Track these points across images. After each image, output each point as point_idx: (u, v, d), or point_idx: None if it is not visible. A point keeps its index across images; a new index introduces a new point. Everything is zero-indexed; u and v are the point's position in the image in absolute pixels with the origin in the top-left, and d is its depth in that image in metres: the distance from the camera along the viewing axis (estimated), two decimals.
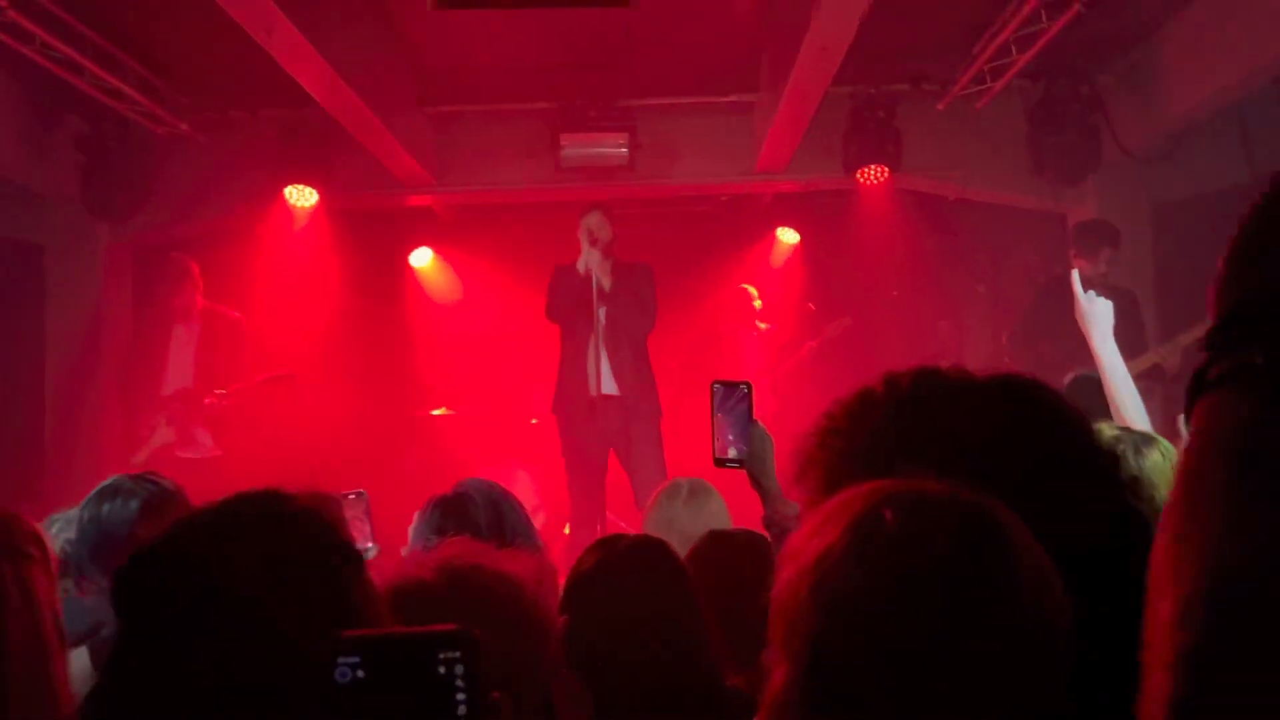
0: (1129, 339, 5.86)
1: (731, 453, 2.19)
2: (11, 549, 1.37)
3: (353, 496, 2.61)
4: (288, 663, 0.99)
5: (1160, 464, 2.27)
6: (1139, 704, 0.70)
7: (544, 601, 1.41)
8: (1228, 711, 0.65)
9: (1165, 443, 2.36)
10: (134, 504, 2.36)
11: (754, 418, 2.20)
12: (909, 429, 0.99)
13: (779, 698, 0.84)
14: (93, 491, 2.46)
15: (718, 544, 2.24)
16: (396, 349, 8.07)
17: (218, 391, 5.88)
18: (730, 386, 2.22)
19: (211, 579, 1.03)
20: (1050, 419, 1.01)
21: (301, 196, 6.56)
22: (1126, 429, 2.37)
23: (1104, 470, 1.00)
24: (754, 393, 2.21)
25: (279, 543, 1.07)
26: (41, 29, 5.00)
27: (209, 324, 6.17)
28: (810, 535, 0.86)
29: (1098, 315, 2.79)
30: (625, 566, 1.82)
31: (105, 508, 2.38)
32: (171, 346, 6.12)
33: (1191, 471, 0.73)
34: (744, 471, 2.21)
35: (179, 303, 6.10)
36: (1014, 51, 5.66)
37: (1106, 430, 2.33)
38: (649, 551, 1.87)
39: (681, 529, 2.58)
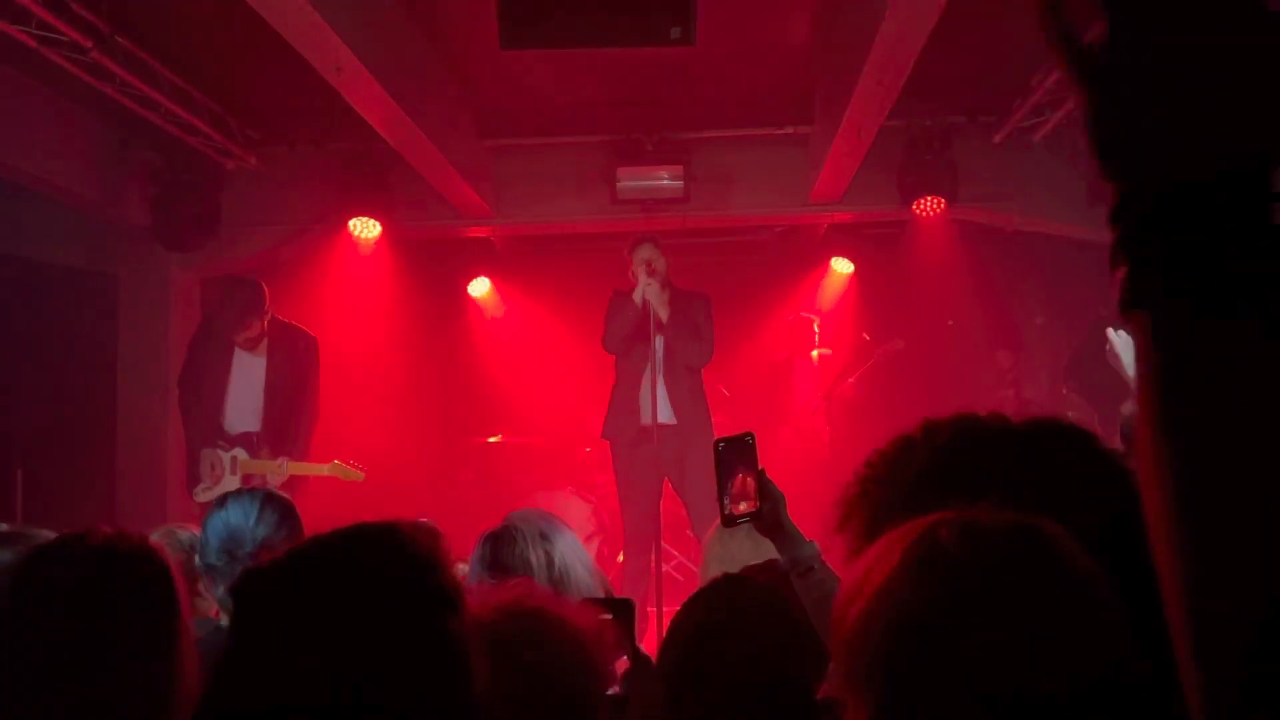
0: None
1: (743, 506, 2.14)
2: (186, 570, 1.49)
3: None
4: (377, 695, 1.04)
5: None
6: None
7: (601, 656, 1.44)
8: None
9: None
10: (255, 506, 2.49)
11: (760, 466, 2.16)
12: (948, 477, 1.01)
13: None
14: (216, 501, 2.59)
15: (736, 589, 2.08)
16: (454, 376, 8.19)
17: (285, 462, 5.47)
18: (733, 442, 2.16)
19: (316, 604, 1.08)
20: (1089, 466, 1.03)
21: (365, 228, 6.72)
22: None
23: (1142, 515, 1.02)
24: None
25: (384, 577, 1.12)
26: (121, 68, 5.20)
27: (280, 344, 5.65)
28: (869, 569, 0.89)
29: (1130, 352, 2.78)
30: (752, 626, 1.81)
31: (231, 505, 2.50)
32: (234, 376, 5.60)
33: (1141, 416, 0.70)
34: (759, 523, 2.19)
35: (248, 333, 5.55)
36: None
37: None
38: (775, 612, 1.86)
39: (745, 563, 2.58)
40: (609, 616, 1.69)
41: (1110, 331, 2.85)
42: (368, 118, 5.32)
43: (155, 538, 2.69)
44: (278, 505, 2.53)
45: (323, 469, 5.50)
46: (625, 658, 1.70)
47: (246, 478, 5.44)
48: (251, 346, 5.62)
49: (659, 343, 5.51)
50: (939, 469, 1.01)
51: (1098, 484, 1.01)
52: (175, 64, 5.60)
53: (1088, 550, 0.96)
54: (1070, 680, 0.81)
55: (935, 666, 0.82)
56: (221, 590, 2.44)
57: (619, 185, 6.68)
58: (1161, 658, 0.93)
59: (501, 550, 2.35)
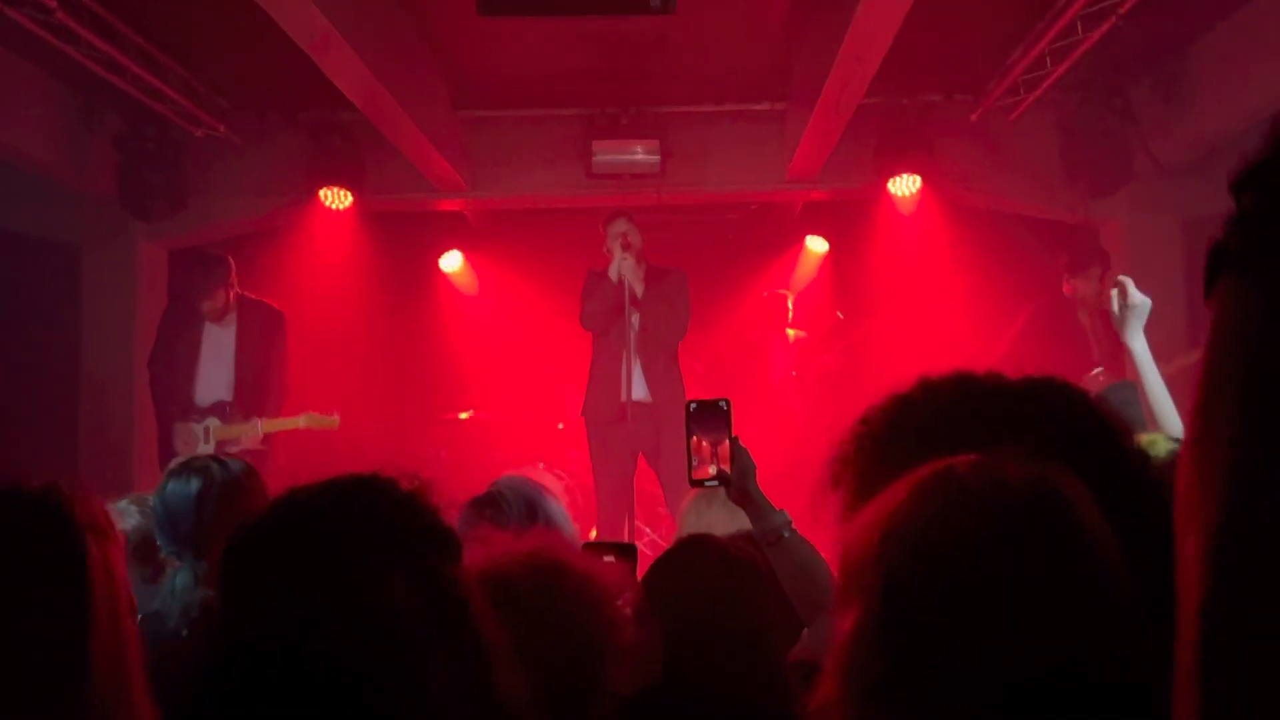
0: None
1: (711, 470, 2.17)
2: (97, 527, 1.42)
3: None
4: (385, 644, 1.01)
5: None
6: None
7: (621, 612, 1.43)
8: (1247, 670, 0.62)
9: None
10: (195, 483, 2.42)
11: (733, 434, 2.17)
12: (945, 433, 1.01)
13: (853, 635, 0.86)
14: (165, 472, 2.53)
15: (700, 551, 2.01)
16: (425, 352, 8.13)
17: (259, 423, 5.54)
18: (707, 405, 2.19)
19: (315, 557, 1.04)
20: (1086, 424, 1.03)
21: (336, 199, 6.64)
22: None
23: (1138, 473, 1.02)
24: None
25: (385, 525, 1.08)
26: (86, 30, 5.09)
27: (248, 318, 5.78)
28: (880, 504, 0.89)
29: (1137, 308, 2.75)
30: (718, 580, 1.82)
31: (170, 485, 2.44)
32: (204, 349, 5.72)
33: (1204, 378, 0.68)
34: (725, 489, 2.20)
35: (213, 302, 5.66)
36: (1049, 64, 5.66)
37: (1162, 443, 2.31)
38: (742, 569, 1.86)
39: (720, 533, 2.58)
40: (612, 559, 1.69)
41: (1126, 282, 2.78)
42: (341, 86, 5.24)
43: (123, 505, 2.67)
44: (221, 481, 2.44)
45: (297, 421, 5.56)
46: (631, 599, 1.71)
47: (221, 444, 5.48)
48: (219, 318, 5.71)
49: (634, 319, 5.50)
50: (936, 425, 1.01)
51: (1094, 441, 1.01)
52: (142, 27, 5.47)
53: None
54: (1052, 634, 0.81)
55: (931, 583, 0.82)
56: (181, 575, 2.40)
57: (594, 160, 6.63)
58: (1149, 625, 0.93)
59: (485, 515, 2.34)
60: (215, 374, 5.68)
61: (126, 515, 2.60)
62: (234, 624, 1.05)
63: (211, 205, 6.87)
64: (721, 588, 1.80)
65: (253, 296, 5.87)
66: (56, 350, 6.79)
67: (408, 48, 5.73)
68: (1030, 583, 0.81)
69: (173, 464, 2.57)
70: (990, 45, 5.94)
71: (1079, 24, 5.21)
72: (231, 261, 5.76)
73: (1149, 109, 6.36)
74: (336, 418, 5.59)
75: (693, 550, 1.92)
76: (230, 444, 5.50)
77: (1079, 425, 1.03)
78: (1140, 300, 2.75)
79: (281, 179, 6.78)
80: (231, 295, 5.73)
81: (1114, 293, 2.79)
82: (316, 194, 6.61)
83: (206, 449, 5.43)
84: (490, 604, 1.30)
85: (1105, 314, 6.15)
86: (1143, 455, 1.05)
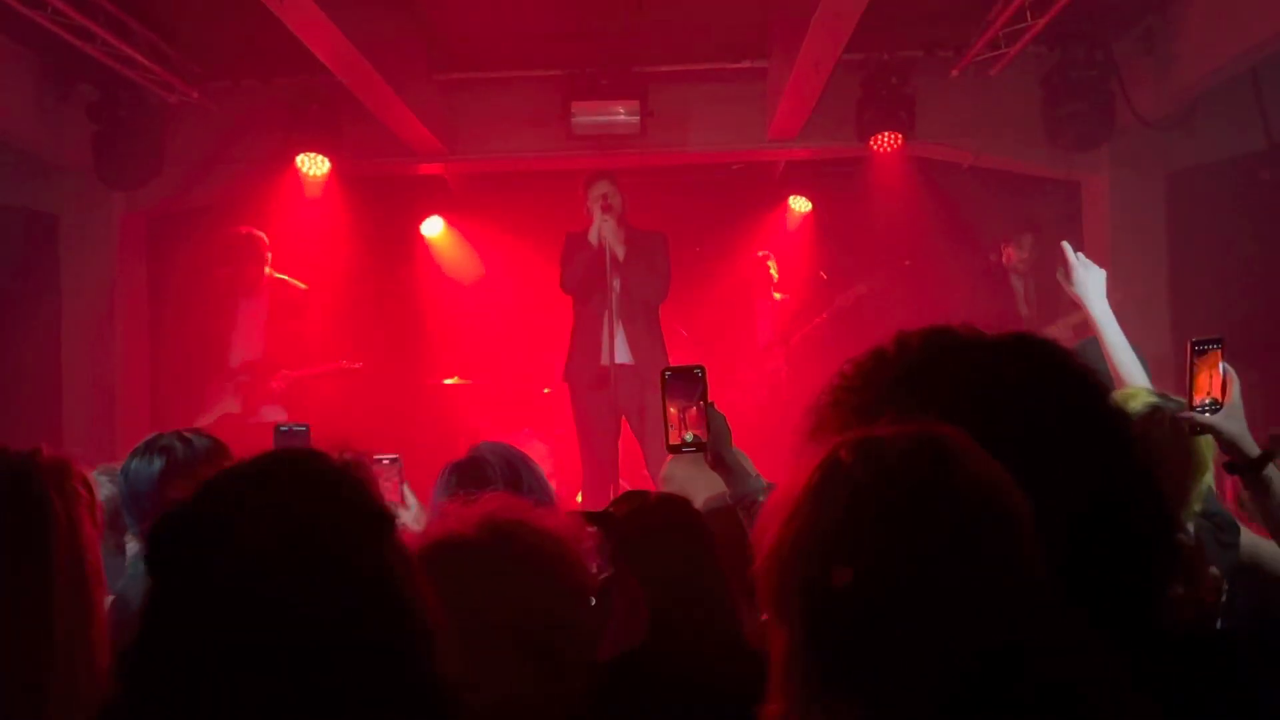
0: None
1: (688, 437, 2.18)
2: (64, 487, 1.49)
3: (387, 461, 2.62)
4: (314, 620, 1.00)
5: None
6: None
7: (583, 558, 1.43)
8: None
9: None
10: (158, 462, 2.40)
11: (710, 399, 2.19)
12: (921, 386, 1.01)
13: (789, 662, 0.86)
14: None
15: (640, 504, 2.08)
16: (408, 318, 8.09)
17: (283, 373, 6.18)
18: (682, 372, 2.21)
19: (238, 538, 1.03)
20: (1060, 376, 1.04)
21: (313, 165, 6.57)
22: (1165, 395, 2.35)
23: (1112, 426, 1.02)
24: (710, 374, 2.19)
25: (308, 502, 1.07)
26: None
27: (275, 295, 6.39)
28: (784, 494, 0.90)
29: (1092, 281, 2.78)
30: (656, 521, 1.85)
31: (134, 464, 2.42)
32: (239, 319, 6.36)
33: None
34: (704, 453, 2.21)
35: (247, 276, 6.31)
36: (1029, 17, 5.62)
37: (1143, 397, 2.32)
38: (675, 508, 1.90)
39: (699, 493, 2.58)
40: (592, 528, 1.70)
41: (1070, 254, 2.81)
42: (314, 50, 5.17)
43: (94, 475, 2.64)
44: (184, 459, 2.41)
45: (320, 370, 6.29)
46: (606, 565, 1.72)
47: (247, 398, 6.16)
48: (251, 291, 6.36)
49: (616, 282, 5.47)
50: (911, 377, 1.01)
51: (1067, 396, 1.01)
52: None
53: (1051, 463, 0.95)
54: (966, 587, 0.81)
55: (845, 592, 0.83)
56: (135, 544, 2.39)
57: (574, 121, 6.56)
58: (1102, 586, 0.93)
59: (467, 479, 2.34)
60: (247, 340, 6.32)
61: (99, 486, 2.57)
62: (159, 605, 1.04)
63: (188, 173, 6.80)
64: (659, 541, 1.81)
65: (282, 276, 6.47)
66: (36, 319, 6.73)
67: (381, 9, 5.65)
68: (933, 569, 0.82)
69: (139, 445, 2.54)
70: None
71: None
72: (262, 237, 6.34)
73: (1131, 62, 6.32)
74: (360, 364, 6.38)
75: (630, 507, 1.94)
76: (252, 394, 6.20)
77: (1053, 378, 1.03)
78: (1087, 265, 2.78)
79: (258, 145, 6.70)
80: (263, 270, 6.35)
81: (1059, 271, 2.83)
82: (294, 160, 6.54)
83: (232, 402, 6.13)
84: (446, 572, 1.29)
85: (1042, 278, 6.35)
86: (1119, 407, 1.05)
